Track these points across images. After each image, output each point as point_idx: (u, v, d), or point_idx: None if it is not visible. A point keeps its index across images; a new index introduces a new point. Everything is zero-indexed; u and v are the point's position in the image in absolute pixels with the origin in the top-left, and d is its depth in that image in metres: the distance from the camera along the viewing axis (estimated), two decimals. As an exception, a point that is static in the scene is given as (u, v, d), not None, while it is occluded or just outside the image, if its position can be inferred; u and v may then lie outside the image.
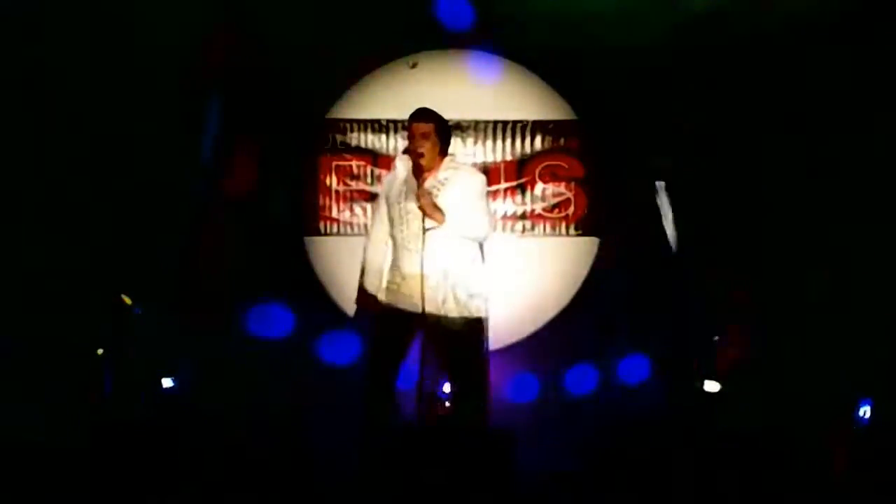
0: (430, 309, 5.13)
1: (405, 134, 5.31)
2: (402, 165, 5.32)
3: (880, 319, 6.12)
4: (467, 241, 5.22)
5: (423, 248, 5.12)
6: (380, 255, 5.36)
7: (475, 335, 5.22)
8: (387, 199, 5.34)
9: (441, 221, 5.12)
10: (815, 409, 5.65)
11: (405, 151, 5.34)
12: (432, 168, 5.23)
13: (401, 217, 5.23)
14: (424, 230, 5.12)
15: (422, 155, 5.20)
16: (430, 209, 5.10)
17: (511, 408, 6.06)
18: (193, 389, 6.28)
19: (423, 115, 5.29)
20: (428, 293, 5.12)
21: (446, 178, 5.21)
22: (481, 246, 5.33)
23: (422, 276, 5.12)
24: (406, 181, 5.27)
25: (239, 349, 6.43)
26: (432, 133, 5.23)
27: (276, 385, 6.28)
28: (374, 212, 5.57)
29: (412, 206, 5.18)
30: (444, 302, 5.15)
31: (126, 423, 5.04)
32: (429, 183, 5.20)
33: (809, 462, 4.74)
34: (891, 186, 6.19)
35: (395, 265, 5.30)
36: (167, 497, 4.40)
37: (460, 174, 5.27)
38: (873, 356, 6.02)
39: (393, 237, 5.30)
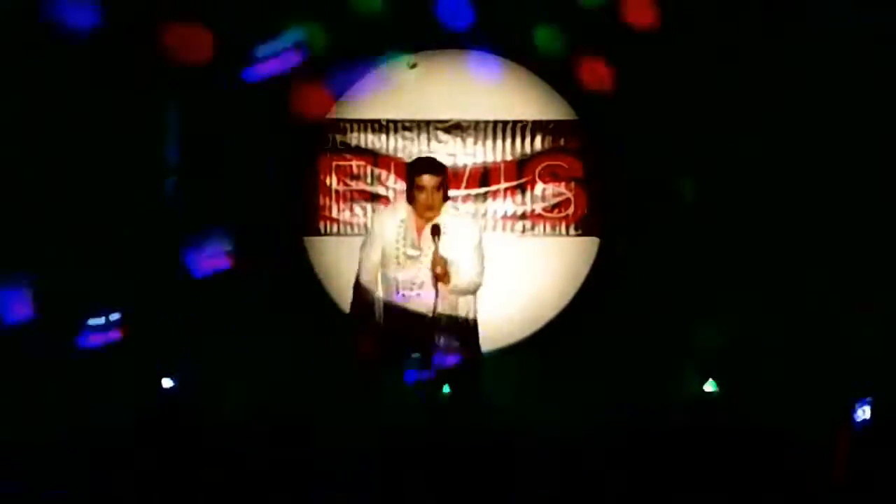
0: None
1: (405, 134, 5.30)
2: (402, 208, 5.20)
3: (880, 319, 6.13)
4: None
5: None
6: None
7: (469, 337, 5.23)
8: (382, 241, 5.19)
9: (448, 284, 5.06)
10: (816, 409, 5.65)
11: (408, 200, 5.16)
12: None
13: (398, 263, 5.13)
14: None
15: (432, 208, 5.09)
16: (444, 276, 5.01)
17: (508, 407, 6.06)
18: (194, 389, 6.29)
19: (432, 166, 5.14)
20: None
21: (445, 225, 5.11)
22: None
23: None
24: (405, 223, 5.15)
25: (239, 348, 6.44)
26: (441, 185, 5.11)
27: (275, 385, 6.28)
28: (366, 241, 5.36)
29: (413, 251, 5.14)
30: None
31: (126, 423, 5.06)
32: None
33: (809, 462, 4.74)
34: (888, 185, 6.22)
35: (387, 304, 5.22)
36: (168, 497, 4.40)
37: (458, 222, 5.18)
38: (873, 356, 6.02)
39: (385, 279, 5.21)
